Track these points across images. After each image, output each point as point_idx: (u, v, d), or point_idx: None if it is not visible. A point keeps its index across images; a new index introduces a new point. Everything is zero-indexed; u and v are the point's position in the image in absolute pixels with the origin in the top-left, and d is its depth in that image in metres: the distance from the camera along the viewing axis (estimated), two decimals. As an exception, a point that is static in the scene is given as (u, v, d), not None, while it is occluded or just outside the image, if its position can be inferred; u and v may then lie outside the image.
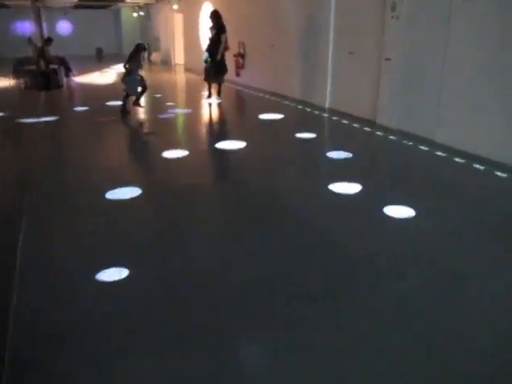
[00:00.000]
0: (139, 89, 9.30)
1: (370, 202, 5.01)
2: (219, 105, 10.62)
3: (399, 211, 4.73)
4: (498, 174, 5.79)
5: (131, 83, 9.09)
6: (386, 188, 5.41)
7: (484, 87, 6.35)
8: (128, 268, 3.64)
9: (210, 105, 10.57)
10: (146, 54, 9.95)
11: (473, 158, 6.31)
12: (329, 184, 5.45)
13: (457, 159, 6.37)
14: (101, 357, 2.70)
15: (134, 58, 9.06)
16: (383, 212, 4.71)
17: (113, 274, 3.56)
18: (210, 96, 10.85)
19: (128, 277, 3.54)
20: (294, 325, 2.99)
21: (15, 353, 2.73)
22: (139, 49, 9.22)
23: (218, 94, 10.81)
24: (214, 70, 10.29)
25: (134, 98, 9.36)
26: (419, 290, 3.40)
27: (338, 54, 9.46)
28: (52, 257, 3.93)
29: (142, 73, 9.52)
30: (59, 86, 13.32)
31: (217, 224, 4.61)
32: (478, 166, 6.08)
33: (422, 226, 4.45)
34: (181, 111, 9.67)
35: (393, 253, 3.96)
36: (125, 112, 9.19)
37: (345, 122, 8.68)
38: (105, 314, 3.11)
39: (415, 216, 4.60)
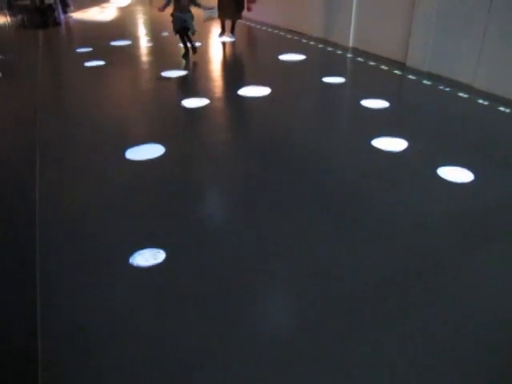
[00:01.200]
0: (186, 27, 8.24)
1: (420, 161, 4.51)
2: (234, 44, 9.79)
3: (456, 174, 4.25)
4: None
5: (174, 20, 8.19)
6: (435, 144, 4.86)
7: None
8: (164, 250, 3.23)
9: (224, 44, 9.73)
10: None
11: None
12: (371, 139, 4.93)
13: (501, 108, 5.81)
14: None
15: None
16: (437, 174, 4.23)
17: (149, 257, 3.16)
18: (223, 34, 9.97)
19: (166, 260, 3.14)
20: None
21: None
22: None
23: (232, 31, 9.91)
24: (236, 6, 9.32)
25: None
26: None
27: (364, -14, 8.54)
28: (80, 235, 3.51)
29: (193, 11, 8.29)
30: (57, 23, 12.33)
31: (251, 188, 4.14)
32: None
33: (484, 192, 3.97)
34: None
35: (458, 222, 3.53)
36: (192, 49, 8.48)
37: (372, 63, 7.95)
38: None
39: (474, 180, 4.13)
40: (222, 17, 9.67)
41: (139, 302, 2.79)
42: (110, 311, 2.71)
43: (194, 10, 8.37)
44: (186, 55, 8.44)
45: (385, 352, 2.41)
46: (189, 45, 8.45)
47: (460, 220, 3.57)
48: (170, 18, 8.18)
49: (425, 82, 6.92)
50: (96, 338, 2.53)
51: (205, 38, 10.18)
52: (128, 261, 3.11)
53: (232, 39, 9.92)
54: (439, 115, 5.70)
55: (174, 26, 8.17)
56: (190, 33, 8.29)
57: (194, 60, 8.38)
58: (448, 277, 2.97)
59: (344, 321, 2.62)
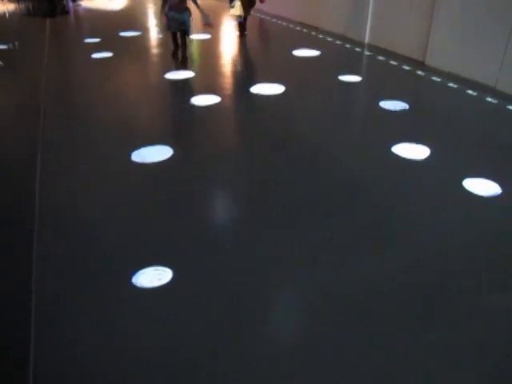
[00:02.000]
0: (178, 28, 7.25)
1: (444, 171, 4.23)
2: (246, 38, 9.45)
3: (482, 186, 3.97)
4: None
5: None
6: (459, 152, 4.57)
7: None
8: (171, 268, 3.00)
9: (235, 38, 9.40)
10: None
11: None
12: (391, 145, 4.65)
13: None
14: None
15: None
16: (463, 186, 3.96)
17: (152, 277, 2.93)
18: (243, 32, 9.49)
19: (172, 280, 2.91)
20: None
21: None
22: None
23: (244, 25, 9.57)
24: (248, 0, 8.96)
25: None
26: None
27: (383, -20, 8.18)
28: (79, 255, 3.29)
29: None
30: (65, 11, 12.07)
31: (263, 194, 3.88)
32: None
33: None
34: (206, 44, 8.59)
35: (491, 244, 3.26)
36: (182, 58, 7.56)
37: (388, 61, 7.62)
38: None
39: (502, 193, 3.85)
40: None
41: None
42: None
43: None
44: (175, 54, 7.67)
45: None
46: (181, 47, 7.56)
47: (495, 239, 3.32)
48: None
49: (445, 82, 6.60)
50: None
51: (215, 32, 9.87)
52: (131, 279, 2.89)
53: (244, 33, 9.58)
54: (461, 119, 5.41)
55: (170, 26, 7.26)
56: (186, 37, 7.46)
57: (204, 55, 8.10)
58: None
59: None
